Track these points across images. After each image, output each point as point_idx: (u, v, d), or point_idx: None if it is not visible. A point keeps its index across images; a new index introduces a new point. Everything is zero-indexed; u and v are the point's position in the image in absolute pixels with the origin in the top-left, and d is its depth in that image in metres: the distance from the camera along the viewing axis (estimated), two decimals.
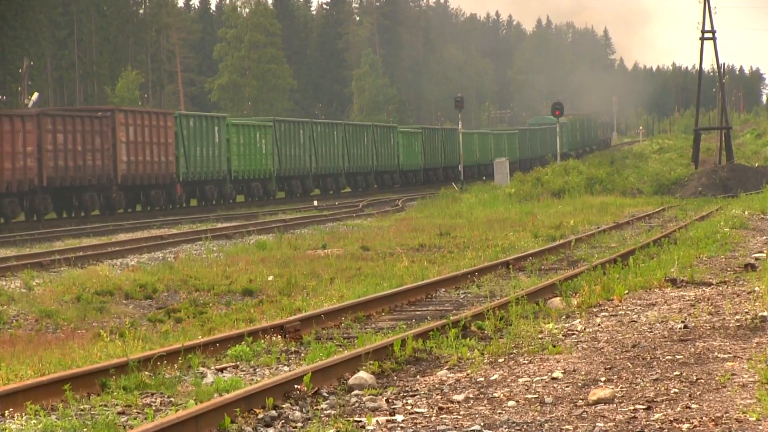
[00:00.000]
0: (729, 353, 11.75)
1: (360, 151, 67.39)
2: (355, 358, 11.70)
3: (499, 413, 9.56)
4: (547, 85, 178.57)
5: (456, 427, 9.13)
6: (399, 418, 9.57)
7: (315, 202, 53.31)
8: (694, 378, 10.54)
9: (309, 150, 61.08)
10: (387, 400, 10.27)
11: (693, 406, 9.41)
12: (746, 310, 14.47)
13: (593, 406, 9.60)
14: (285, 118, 69.10)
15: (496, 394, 10.30)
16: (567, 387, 10.46)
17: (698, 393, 9.91)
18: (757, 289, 16.50)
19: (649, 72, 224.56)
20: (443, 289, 18.98)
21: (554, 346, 12.44)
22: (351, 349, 12.71)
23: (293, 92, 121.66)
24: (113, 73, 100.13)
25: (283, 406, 10.13)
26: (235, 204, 54.10)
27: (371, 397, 10.48)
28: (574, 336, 13.35)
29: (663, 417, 9.07)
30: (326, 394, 10.64)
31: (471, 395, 10.33)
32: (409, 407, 9.98)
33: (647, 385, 10.34)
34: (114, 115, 44.98)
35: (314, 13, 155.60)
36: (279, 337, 13.96)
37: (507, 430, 8.99)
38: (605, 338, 13.01)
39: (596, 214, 38.62)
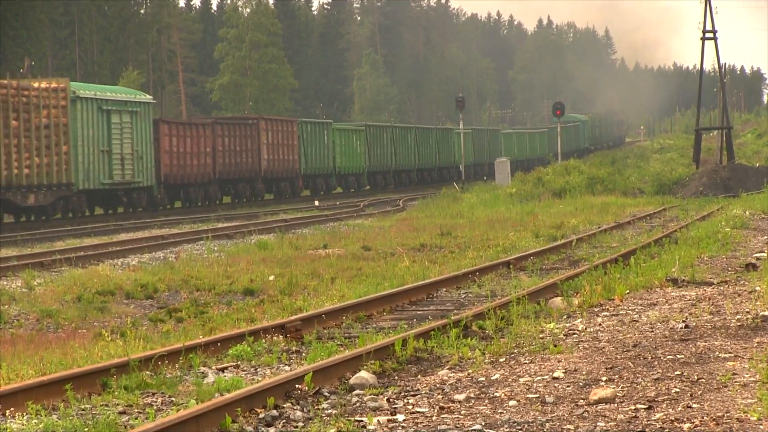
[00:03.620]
0: (730, 353, 11.75)
1: (427, 150, 78.73)
2: (356, 357, 11.70)
3: (500, 413, 9.56)
4: (549, 85, 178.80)
5: (457, 427, 9.13)
6: (400, 417, 9.57)
7: (316, 202, 53.44)
8: (695, 377, 10.54)
9: (390, 149, 72.46)
10: (388, 400, 10.27)
11: (694, 405, 9.41)
12: (747, 310, 14.48)
13: (594, 406, 9.61)
14: (374, 123, 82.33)
15: (497, 394, 10.30)
16: (568, 386, 10.46)
17: (699, 392, 9.91)
18: (758, 288, 16.51)
19: (651, 71, 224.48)
20: (444, 289, 18.98)
21: (555, 346, 12.44)
22: (352, 348, 12.71)
23: (294, 92, 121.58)
24: (114, 73, 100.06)
25: (284, 405, 10.13)
26: (337, 195, 65.00)
27: (372, 396, 10.48)
28: (575, 335, 13.36)
29: (664, 416, 9.08)
30: (327, 394, 10.64)
31: (472, 395, 10.33)
32: (410, 407, 9.98)
33: (648, 384, 10.34)
34: (258, 123, 56.95)
35: (315, 13, 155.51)
36: (280, 336, 13.96)
37: (508, 429, 8.99)
38: (606, 338, 13.01)
39: (597, 213, 38.61)
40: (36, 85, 39.95)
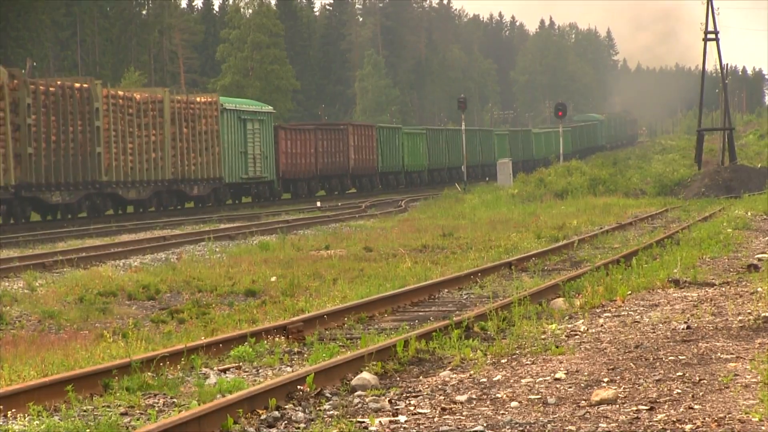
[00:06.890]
0: (732, 354, 11.75)
1: (474, 149, 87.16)
2: (358, 358, 11.70)
3: (502, 414, 9.56)
4: (551, 86, 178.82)
5: (459, 428, 9.13)
6: (402, 418, 9.57)
7: (318, 203, 53.55)
8: (697, 378, 10.54)
9: (445, 149, 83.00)
10: (390, 401, 10.27)
11: (696, 406, 9.41)
12: (749, 311, 14.47)
13: (596, 407, 9.60)
14: (433, 126, 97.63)
15: (498, 395, 10.30)
16: (570, 388, 10.46)
17: (701, 394, 9.91)
18: (759, 289, 16.49)
19: (652, 72, 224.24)
20: (446, 290, 18.98)
21: (557, 347, 12.44)
22: (354, 349, 12.71)
23: (296, 93, 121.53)
24: (116, 74, 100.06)
25: (286, 406, 10.14)
26: (406, 189, 73.99)
27: (374, 397, 10.48)
28: (576, 336, 13.35)
29: (666, 418, 9.07)
30: (329, 395, 10.64)
31: (474, 396, 10.33)
32: (411, 408, 9.98)
33: (650, 385, 10.34)
34: (347, 128, 67.65)
35: (317, 14, 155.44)
36: (282, 337, 13.96)
37: (510, 430, 8.99)
38: (608, 339, 13.01)
39: (599, 214, 38.60)
40: (198, 99, 51.33)
